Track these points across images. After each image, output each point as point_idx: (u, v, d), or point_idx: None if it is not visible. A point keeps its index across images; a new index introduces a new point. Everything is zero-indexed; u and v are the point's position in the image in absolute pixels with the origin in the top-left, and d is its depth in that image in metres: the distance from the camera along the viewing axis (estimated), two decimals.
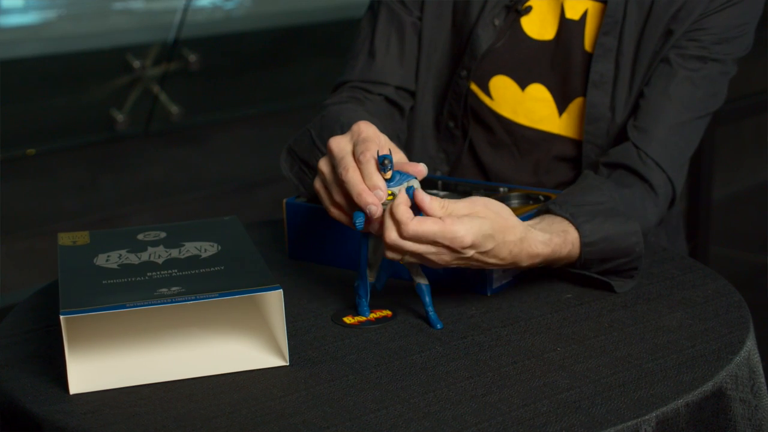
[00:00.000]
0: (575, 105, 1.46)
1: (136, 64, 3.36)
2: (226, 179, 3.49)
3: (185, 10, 3.41)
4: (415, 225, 1.05)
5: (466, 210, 1.08)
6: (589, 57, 1.44)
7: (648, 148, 1.37)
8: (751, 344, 1.09)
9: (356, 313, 1.17)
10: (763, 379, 1.09)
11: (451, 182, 1.40)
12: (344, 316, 1.17)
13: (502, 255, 1.10)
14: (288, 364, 1.06)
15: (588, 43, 1.44)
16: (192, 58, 3.45)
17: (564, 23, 1.45)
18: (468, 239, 1.06)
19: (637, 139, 1.38)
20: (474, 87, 1.50)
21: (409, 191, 1.07)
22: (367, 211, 1.07)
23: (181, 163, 3.57)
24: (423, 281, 1.14)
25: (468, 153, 1.54)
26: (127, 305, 1.01)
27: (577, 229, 1.19)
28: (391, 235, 1.05)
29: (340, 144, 1.11)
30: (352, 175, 1.08)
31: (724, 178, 3.70)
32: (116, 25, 3.50)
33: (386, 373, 1.04)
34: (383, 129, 1.45)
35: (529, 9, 1.46)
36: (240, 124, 3.70)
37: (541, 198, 1.33)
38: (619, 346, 1.08)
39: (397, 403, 0.97)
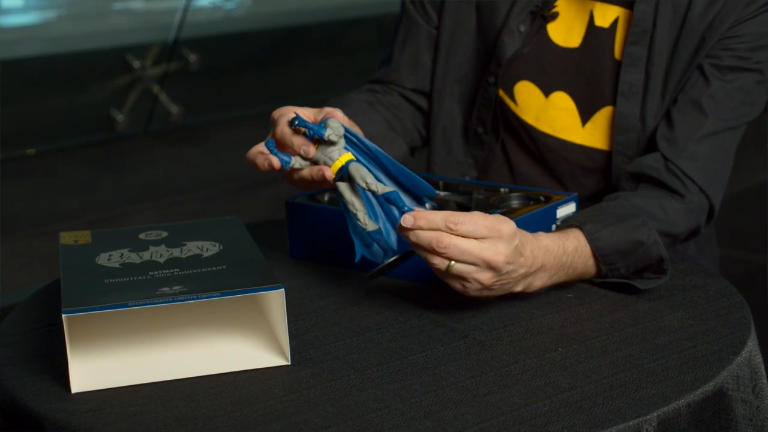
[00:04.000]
0: (602, 115, 1.43)
1: (136, 64, 3.36)
2: (226, 179, 3.50)
3: (185, 10, 3.41)
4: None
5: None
6: (618, 65, 1.40)
7: (678, 159, 1.33)
8: (752, 344, 1.09)
9: (378, 264, 1.18)
10: (764, 380, 1.09)
11: (451, 182, 1.40)
12: (372, 270, 1.18)
13: (529, 262, 1.12)
14: (289, 363, 1.06)
15: (618, 51, 1.41)
16: (192, 58, 3.45)
17: (592, 30, 1.43)
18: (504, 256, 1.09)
19: (667, 150, 1.34)
20: (501, 92, 1.49)
21: (344, 168, 1.15)
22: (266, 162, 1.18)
23: (181, 163, 3.57)
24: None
25: (501, 158, 1.53)
26: (129, 304, 1.01)
27: (581, 228, 1.20)
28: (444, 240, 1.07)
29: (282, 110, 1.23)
30: (279, 131, 1.20)
31: None
32: (116, 25, 3.50)
33: (387, 372, 1.04)
34: (393, 118, 1.52)
35: (555, 15, 1.44)
36: (240, 124, 3.70)
37: (542, 198, 1.33)
38: (620, 346, 1.08)
39: (399, 403, 0.97)
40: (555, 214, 1.30)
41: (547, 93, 1.46)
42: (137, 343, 1.07)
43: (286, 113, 1.22)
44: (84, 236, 1.23)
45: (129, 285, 1.06)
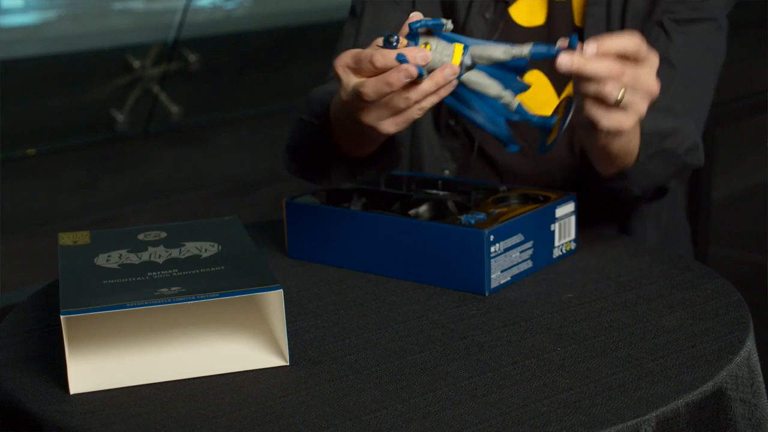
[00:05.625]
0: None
1: (136, 64, 3.36)
2: (226, 179, 3.50)
3: (185, 10, 3.41)
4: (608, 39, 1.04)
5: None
6: (582, 33, 1.43)
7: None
8: (751, 344, 1.09)
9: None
10: (761, 379, 1.09)
11: (451, 182, 1.41)
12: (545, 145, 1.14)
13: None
14: (288, 364, 1.06)
15: (578, 18, 1.44)
16: (192, 58, 3.45)
17: (553, 5, 1.46)
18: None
19: None
20: None
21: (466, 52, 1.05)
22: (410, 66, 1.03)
23: (181, 163, 3.57)
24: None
25: (477, 151, 1.53)
26: (128, 305, 1.01)
27: None
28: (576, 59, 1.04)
29: (346, 56, 1.09)
30: (383, 53, 1.05)
31: (724, 178, 3.70)
32: (116, 25, 3.51)
33: (386, 373, 1.04)
34: None
35: None
36: (240, 124, 3.70)
37: (541, 198, 1.33)
38: (619, 346, 1.08)
39: (398, 403, 0.97)
40: (554, 213, 1.31)
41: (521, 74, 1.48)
42: (136, 344, 1.07)
43: (356, 53, 1.08)
44: (83, 237, 1.23)
45: (128, 286, 1.06)
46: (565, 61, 1.05)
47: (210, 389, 1.01)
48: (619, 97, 1.06)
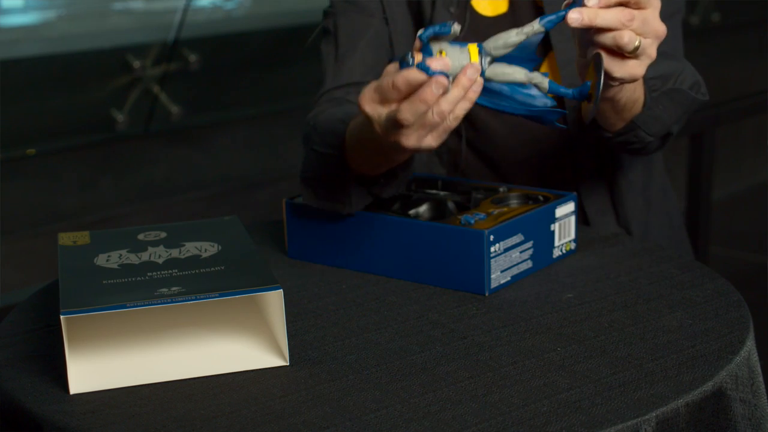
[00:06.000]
0: (548, 61, 1.47)
1: (136, 64, 3.36)
2: (226, 179, 3.50)
3: (185, 10, 3.41)
4: None
5: None
6: (542, 10, 1.44)
7: None
8: (751, 344, 1.09)
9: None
10: (761, 379, 1.09)
11: (451, 182, 1.41)
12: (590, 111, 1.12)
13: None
14: (288, 364, 1.06)
15: None
16: (192, 58, 3.45)
17: None
18: None
19: None
20: None
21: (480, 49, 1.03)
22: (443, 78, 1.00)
23: (181, 163, 3.57)
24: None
25: (468, 149, 1.53)
26: (128, 305, 1.01)
27: None
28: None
29: (369, 90, 1.06)
30: (405, 74, 1.01)
31: (724, 178, 3.70)
32: (116, 25, 3.50)
33: (386, 373, 1.04)
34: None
35: None
36: (240, 124, 3.70)
37: (541, 198, 1.33)
38: (619, 346, 1.08)
39: (397, 403, 0.97)
40: (554, 213, 1.31)
41: None
42: (136, 344, 1.08)
43: (376, 86, 1.05)
44: (82, 237, 1.23)
45: (127, 286, 1.06)
46: (576, 15, 1.04)
47: (210, 389, 1.01)
48: (636, 44, 1.06)
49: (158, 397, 1.00)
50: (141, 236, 1.22)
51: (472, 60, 1.03)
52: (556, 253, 1.32)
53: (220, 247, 1.18)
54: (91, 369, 1.04)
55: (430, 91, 0.99)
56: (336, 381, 1.02)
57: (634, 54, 1.07)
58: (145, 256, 1.15)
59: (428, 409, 0.96)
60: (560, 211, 1.32)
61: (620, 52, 1.07)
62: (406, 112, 1.01)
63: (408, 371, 1.04)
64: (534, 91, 1.08)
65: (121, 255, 1.16)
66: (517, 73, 1.06)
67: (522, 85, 1.07)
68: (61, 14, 3.42)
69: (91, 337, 1.07)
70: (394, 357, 1.07)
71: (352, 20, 1.50)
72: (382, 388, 1.00)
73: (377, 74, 1.44)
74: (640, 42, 1.06)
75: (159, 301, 1.01)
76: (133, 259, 1.15)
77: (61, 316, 0.98)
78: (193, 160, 3.60)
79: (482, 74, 1.04)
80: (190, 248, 1.17)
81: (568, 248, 1.34)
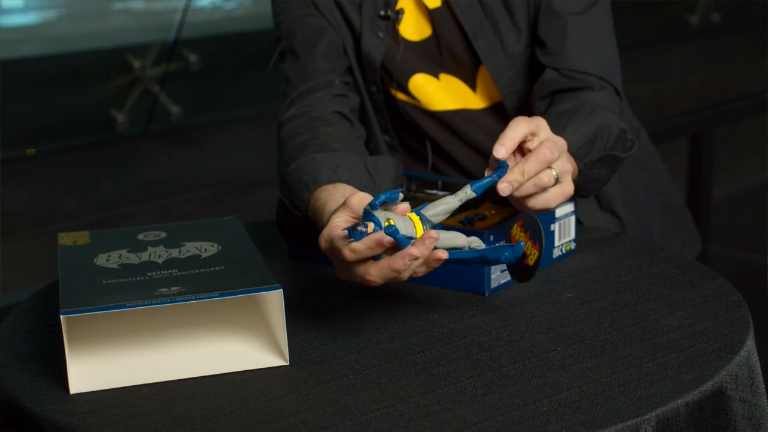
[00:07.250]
0: (481, 73, 1.48)
1: (136, 64, 3.36)
2: (226, 179, 3.49)
3: (185, 10, 3.41)
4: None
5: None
6: (463, 29, 1.46)
7: (565, 63, 1.40)
8: (750, 344, 1.09)
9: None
10: (761, 379, 1.09)
11: (450, 182, 1.40)
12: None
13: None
14: (288, 363, 1.06)
15: (456, 15, 1.46)
16: (192, 58, 3.45)
17: (432, 15, 1.47)
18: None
19: (552, 62, 1.41)
20: (401, 96, 1.50)
21: (394, 196, 1.03)
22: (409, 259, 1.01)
23: (181, 163, 3.57)
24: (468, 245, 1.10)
25: (439, 159, 1.54)
26: (128, 305, 1.01)
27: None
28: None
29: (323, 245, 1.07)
30: (356, 253, 1.02)
31: (724, 178, 3.70)
32: (116, 25, 3.51)
33: (386, 372, 1.04)
34: (356, 145, 1.40)
35: (401, 12, 1.47)
36: (240, 124, 3.70)
37: None
38: (619, 346, 1.08)
39: (397, 403, 0.97)
40: (554, 213, 1.31)
41: (437, 75, 1.50)
42: (136, 343, 1.08)
43: (329, 249, 1.05)
44: (82, 237, 1.23)
45: (127, 286, 1.07)
46: (506, 189, 1.09)
47: (210, 389, 1.01)
48: (554, 174, 1.11)
49: (158, 396, 1.00)
50: (141, 236, 1.22)
51: (418, 231, 1.05)
52: (556, 253, 1.32)
53: (220, 247, 1.18)
54: (91, 369, 1.04)
55: (402, 263, 1.00)
56: (336, 381, 1.02)
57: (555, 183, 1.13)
58: (145, 256, 1.16)
59: (428, 408, 0.96)
60: (560, 211, 1.32)
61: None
62: (376, 276, 1.02)
63: (408, 371, 1.04)
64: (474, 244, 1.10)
65: (121, 255, 1.16)
66: (457, 238, 1.09)
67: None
68: (61, 14, 3.42)
69: (91, 337, 1.07)
70: (393, 357, 1.07)
71: (307, 26, 1.49)
72: (382, 388, 1.00)
73: (336, 66, 1.47)
74: (557, 173, 1.12)
75: (159, 301, 1.01)
76: (133, 259, 1.15)
77: (61, 316, 0.98)
78: (193, 160, 3.60)
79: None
80: (190, 248, 1.18)
81: (568, 248, 1.34)
